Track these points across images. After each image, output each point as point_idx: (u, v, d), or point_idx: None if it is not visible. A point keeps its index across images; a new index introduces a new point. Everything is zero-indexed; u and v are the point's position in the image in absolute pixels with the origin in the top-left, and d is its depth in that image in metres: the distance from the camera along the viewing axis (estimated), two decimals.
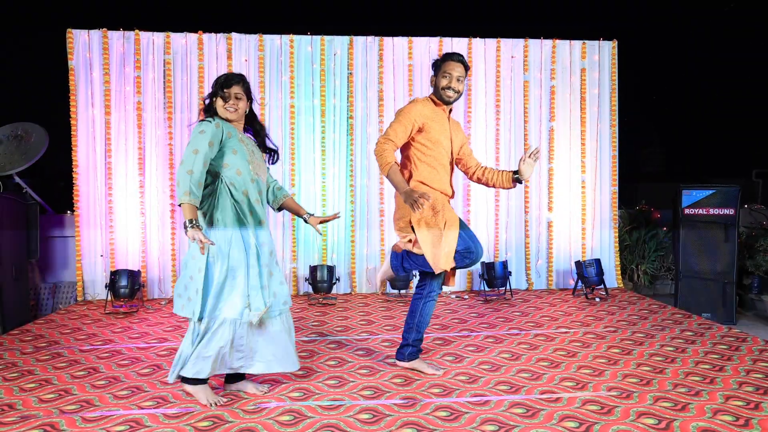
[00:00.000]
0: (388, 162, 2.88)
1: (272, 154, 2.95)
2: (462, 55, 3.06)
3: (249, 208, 2.69)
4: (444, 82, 3.00)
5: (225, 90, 2.70)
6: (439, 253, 2.93)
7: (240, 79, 2.74)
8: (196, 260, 2.63)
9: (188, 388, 2.73)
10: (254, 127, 2.90)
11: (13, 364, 3.34)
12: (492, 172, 3.20)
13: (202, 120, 2.70)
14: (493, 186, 3.22)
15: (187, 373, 2.67)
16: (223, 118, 2.72)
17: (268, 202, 2.99)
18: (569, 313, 4.60)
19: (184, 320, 4.39)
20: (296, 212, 3.05)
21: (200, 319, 2.63)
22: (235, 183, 2.66)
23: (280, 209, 3.03)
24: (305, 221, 3.02)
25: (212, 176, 2.65)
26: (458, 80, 3.01)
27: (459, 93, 3.03)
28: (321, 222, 3.03)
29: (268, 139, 2.95)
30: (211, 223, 2.65)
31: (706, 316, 4.65)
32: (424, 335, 3.34)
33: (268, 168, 2.95)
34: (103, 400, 2.79)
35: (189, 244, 2.69)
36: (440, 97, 3.04)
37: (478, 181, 3.25)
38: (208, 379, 2.74)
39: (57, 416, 2.60)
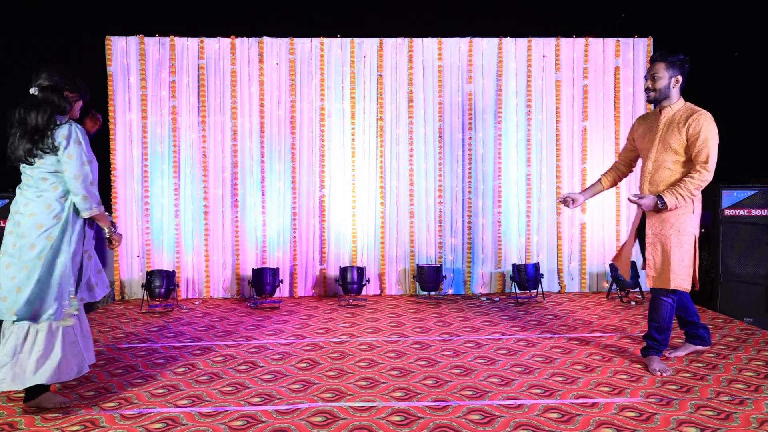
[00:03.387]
0: None
1: None
2: (656, 53, 3.21)
3: None
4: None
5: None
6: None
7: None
8: None
9: None
10: None
11: None
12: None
13: (65, 124, 2.74)
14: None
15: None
16: (69, 116, 2.87)
17: None
18: (603, 317, 4.51)
19: (218, 320, 4.46)
20: None
21: None
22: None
23: None
24: None
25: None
26: (649, 78, 3.17)
27: (648, 90, 3.18)
28: None
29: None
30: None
31: (749, 321, 4.49)
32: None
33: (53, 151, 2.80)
34: (141, 398, 2.85)
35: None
36: None
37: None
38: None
39: (97, 413, 2.68)
